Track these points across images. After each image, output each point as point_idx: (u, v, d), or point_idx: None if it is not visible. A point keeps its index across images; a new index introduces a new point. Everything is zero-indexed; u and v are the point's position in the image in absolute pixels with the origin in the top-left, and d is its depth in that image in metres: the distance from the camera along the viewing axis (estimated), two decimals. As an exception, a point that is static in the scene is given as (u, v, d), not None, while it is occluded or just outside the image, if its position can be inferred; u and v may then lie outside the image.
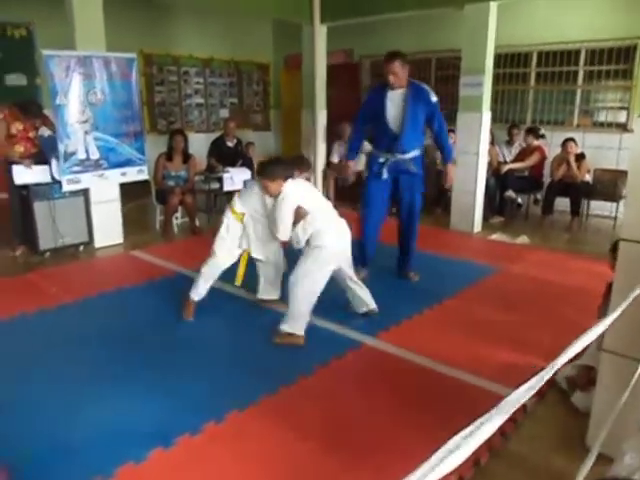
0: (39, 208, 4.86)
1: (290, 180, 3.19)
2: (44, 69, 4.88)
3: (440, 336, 3.37)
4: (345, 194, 7.26)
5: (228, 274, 3.65)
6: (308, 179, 3.50)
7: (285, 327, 3.17)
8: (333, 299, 3.85)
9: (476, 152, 5.78)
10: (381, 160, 4.03)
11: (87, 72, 4.91)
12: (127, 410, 2.53)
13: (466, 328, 3.47)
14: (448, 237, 5.93)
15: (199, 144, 7.39)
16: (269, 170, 3.15)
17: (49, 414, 2.49)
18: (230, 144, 6.84)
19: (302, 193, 3.20)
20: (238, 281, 3.64)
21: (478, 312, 3.74)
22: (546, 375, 1.16)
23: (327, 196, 7.38)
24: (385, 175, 4.02)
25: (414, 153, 4.00)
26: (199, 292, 3.53)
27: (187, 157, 5.94)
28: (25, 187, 4.87)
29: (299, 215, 3.12)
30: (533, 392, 1.06)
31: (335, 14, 6.88)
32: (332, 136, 7.48)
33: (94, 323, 3.54)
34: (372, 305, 3.58)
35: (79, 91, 4.90)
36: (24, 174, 4.88)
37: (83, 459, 2.18)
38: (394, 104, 3.87)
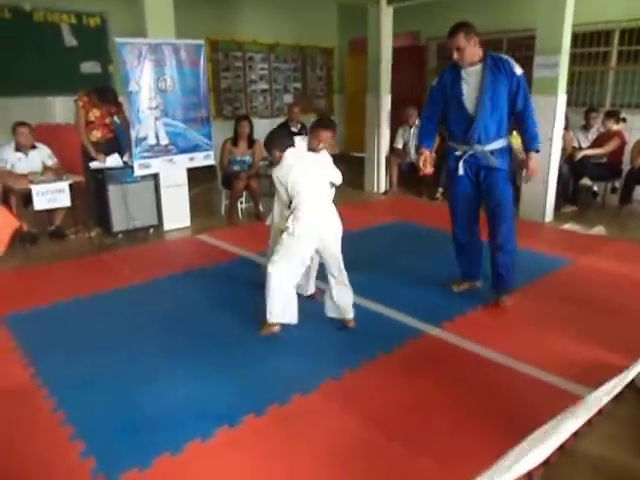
0: (113, 192, 5.07)
1: (291, 149, 3.03)
2: (117, 57, 5.04)
3: (507, 329, 3.25)
4: (409, 180, 7.14)
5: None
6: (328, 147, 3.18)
7: (267, 315, 3.05)
8: (392, 284, 3.85)
9: (550, 137, 5.49)
10: (457, 153, 3.45)
11: (157, 59, 5.03)
12: (194, 388, 2.61)
13: (535, 322, 3.33)
14: (517, 226, 5.65)
15: (263, 129, 7.40)
16: (266, 141, 3.08)
17: (123, 388, 2.60)
18: (294, 129, 6.86)
19: (294, 166, 2.96)
20: None
21: (548, 306, 3.57)
22: (626, 378, 1.08)
23: (390, 182, 7.31)
24: (461, 171, 3.44)
25: (496, 144, 3.34)
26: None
27: (252, 142, 6.00)
28: (100, 171, 5.09)
29: (275, 160, 3.00)
30: (613, 395, 0.99)
31: (402, -5, 6.72)
32: (396, 121, 7.35)
33: (165, 303, 3.67)
34: (347, 315, 3.15)
35: (150, 78, 5.03)
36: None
37: (153, 433, 2.27)
38: (470, 84, 3.27)
